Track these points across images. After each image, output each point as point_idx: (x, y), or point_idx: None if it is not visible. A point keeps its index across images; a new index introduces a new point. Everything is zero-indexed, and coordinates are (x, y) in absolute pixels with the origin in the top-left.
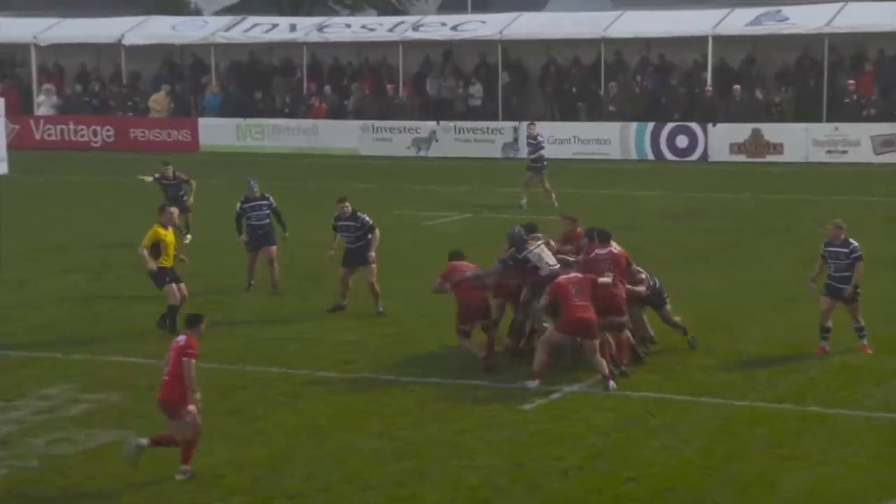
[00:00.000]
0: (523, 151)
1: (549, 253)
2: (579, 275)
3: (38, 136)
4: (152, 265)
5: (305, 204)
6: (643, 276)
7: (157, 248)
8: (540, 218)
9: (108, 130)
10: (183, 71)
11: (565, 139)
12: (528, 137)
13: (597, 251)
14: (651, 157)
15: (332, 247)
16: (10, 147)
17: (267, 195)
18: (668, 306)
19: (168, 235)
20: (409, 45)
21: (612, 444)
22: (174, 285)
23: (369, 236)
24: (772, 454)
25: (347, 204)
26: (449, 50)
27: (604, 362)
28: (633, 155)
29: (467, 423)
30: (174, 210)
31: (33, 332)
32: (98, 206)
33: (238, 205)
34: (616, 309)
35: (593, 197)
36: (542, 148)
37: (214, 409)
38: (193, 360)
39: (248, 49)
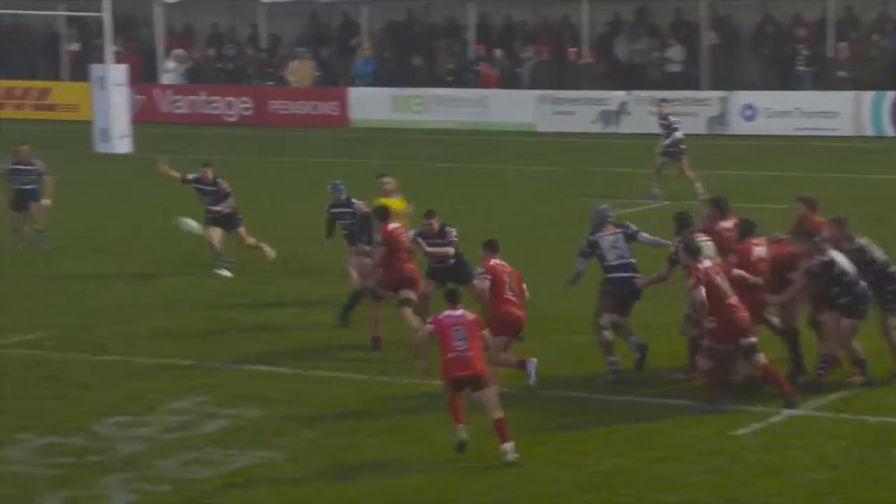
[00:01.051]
0: (733, 127)
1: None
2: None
3: (163, 109)
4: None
5: (470, 189)
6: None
7: None
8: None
9: (244, 102)
10: (330, 32)
11: (785, 112)
12: (658, 116)
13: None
14: (891, 132)
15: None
16: (132, 121)
17: (353, 200)
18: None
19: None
20: (595, 0)
21: (844, 479)
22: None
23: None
24: None
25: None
26: (642, 6)
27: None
28: (869, 130)
29: (666, 450)
30: (388, 179)
31: (160, 336)
32: (237, 194)
33: (326, 206)
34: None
35: (821, 181)
36: (676, 130)
37: (366, 428)
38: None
39: (406, 6)
